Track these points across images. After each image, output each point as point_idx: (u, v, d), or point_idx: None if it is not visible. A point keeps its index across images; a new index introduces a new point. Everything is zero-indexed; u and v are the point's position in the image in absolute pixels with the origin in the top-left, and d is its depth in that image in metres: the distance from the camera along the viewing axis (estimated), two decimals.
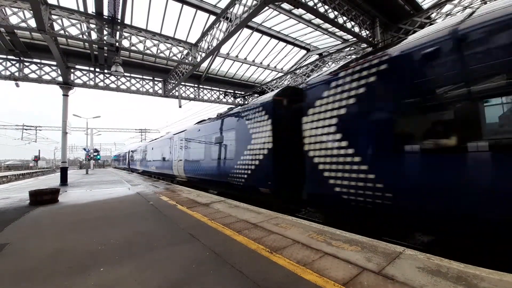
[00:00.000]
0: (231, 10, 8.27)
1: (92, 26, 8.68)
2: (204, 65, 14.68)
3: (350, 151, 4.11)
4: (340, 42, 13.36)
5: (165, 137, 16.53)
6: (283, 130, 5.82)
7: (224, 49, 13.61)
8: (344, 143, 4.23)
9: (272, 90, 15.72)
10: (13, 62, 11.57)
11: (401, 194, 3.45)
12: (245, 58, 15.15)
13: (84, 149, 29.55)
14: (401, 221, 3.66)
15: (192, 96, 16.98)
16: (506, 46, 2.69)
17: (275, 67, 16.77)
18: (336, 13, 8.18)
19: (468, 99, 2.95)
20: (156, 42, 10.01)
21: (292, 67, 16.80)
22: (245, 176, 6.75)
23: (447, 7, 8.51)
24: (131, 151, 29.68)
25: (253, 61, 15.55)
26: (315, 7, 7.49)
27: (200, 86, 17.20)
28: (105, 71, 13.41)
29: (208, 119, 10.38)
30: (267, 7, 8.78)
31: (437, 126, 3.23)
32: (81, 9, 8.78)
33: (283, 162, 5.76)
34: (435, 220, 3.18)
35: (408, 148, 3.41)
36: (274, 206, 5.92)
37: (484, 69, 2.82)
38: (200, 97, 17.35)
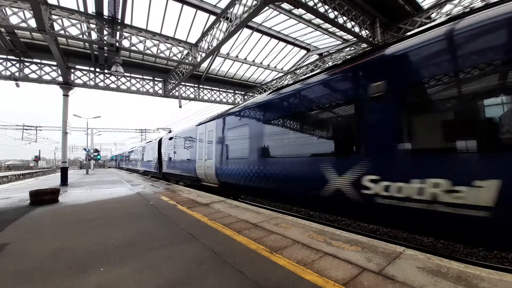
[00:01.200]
0: (231, 10, 8.28)
1: (92, 26, 8.69)
2: (204, 65, 14.69)
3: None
4: (340, 42, 13.36)
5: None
6: None
7: (224, 49, 13.61)
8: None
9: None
10: (14, 62, 11.59)
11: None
12: (245, 58, 15.15)
13: (84, 149, 29.57)
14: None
15: (192, 96, 16.99)
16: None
17: (275, 67, 16.77)
18: (336, 13, 8.18)
19: None
20: (156, 42, 10.02)
21: (292, 67, 16.80)
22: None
23: (447, 7, 8.51)
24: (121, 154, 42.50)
25: (253, 61, 15.55)
26: (315, 7, 7.49)
27: (200, 86, 17.20)
28: (105, 71, 13.43)
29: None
30: (267, 7, 8.78)
31: None
32: (81, 9, 8.79)
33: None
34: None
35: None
36: None
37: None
38: (200, 97, 17.36)
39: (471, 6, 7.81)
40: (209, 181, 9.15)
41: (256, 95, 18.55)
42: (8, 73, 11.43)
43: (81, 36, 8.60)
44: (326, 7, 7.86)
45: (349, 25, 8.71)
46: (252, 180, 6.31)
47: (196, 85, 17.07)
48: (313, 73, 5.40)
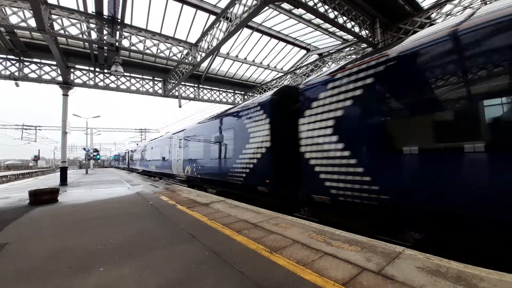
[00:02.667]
0: (231, 10, 8.27)
1: (92, 25, 8.68)
2: (204, 65, 14.68)
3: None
4: (340, 42, 13.36)
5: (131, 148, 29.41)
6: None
7: (224, 49, 13.61)
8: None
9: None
10: (13, 62, 11.57)
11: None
12: (245, 58, 15.14)
13: (84, 149, 29.55)
14: None
15: (192, 96, 16.98)
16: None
17: (275, 67, 16.76)
18: (336, 13, 8.18)
19: None
20: (156, 41, 10.01)
21: (292, 67, 16.80)
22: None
23: (447, 7, 8.51)
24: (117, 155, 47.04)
25: (253, 61, 15.55)
26: (315, 7, 7.49)
27: (200, 86, 17.20)
28: (105, 70, 13.41)
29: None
30: (267, 7, 8.78)
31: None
32: (81, 8, 8.78)
33: None
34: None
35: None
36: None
37: None
38: (200, 97, 17.35)
39: (471, 6, 7.82)
40: (179, 175, 12.91)
41: (256, 95, 18.55)
42: (7, 72, 11.41)
43: (81, 36, 8.59)
44: (326, 7, 7.86)
45: (349, 25, 8.71)
46: (197, 173, 10.36)
47: (196, 85, 17.06)
48: (211, 116, 10.12)
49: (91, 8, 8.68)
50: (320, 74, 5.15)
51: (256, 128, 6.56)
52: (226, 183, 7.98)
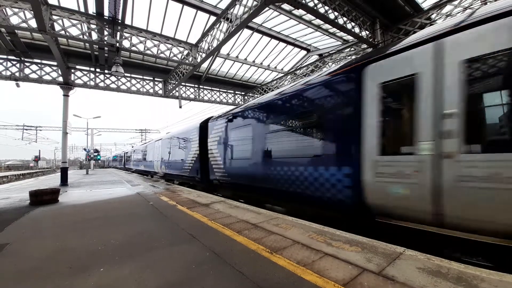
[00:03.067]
0: (231, 10, 8.28)
1: (93, 26, 8.70)
2: (205, 65, 14.69)
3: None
4: (340, 43, 13.37)
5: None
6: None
7: (224, 50, 13.63)
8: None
9: (272, 91, 15.85)
10: (14, 62, 11.59)
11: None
12: (246, 59, 15.16)
13: (85, 149, 29.58)
14: None
15: (192, 96, 16.99)
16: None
17: (275, 67, 16.78)
18: (336, 13, 8.19)
19: None
20: (156, 42, 10.02)
21: (292, 67, 16.81)
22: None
23: (447, 7, 8.52)
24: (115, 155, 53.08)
25: (254, 61, 15.56)
26: (315, 8, 7.50)
27: (200, 86, 17.21)
28: (106, 71, 13.43)
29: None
30: (267, 8, 8.79)
31: None
32: (82, 9, 8.80)
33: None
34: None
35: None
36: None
37: None
38: (201, 97, 17.36)
39: (471, 7, 7.82)
40: (159, 172, 16.72)
41: (256, 95, 18.56)
42: (8, 73, 11.43)
43: (81, 37, 8.61)
44: (326, 8, 7.87)
45: (349, 26, 8.71)
46: (167, 171, 14.34)
47: (196, 86, 17.08)
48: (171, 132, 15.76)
49: (91, 9, 8.70)
50: (212, 117, 9.90)
51: (190, 143, 11.10)
52: (181, 176, 12.44)
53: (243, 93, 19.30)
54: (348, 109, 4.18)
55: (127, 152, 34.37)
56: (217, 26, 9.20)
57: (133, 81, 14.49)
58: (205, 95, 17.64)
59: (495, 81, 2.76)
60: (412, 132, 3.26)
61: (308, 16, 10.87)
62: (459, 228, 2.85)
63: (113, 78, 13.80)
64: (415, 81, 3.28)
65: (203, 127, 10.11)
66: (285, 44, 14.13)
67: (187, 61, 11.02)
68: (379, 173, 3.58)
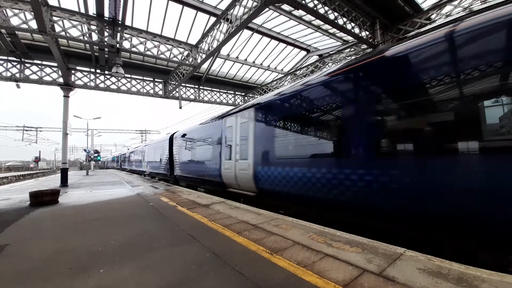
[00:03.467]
0: (231, 11, 8.29)
1: (93, 27, 8.71)
2: (205, 66, 14.71)
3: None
4: (340, 43, 13.38)
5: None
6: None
7: (224, 50, 13.64)
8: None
9: (272, 91, 15.94)
10: (14, 63, 11.61)
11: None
12: (246, 59, 15.17)
13: (85, 150, 29.58)
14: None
15: (192, 97, 17.00)
16: None
17: (275, 68, 16.79)
18: (336, 14, 8.20)
19: None
20: (156, 43, 10.04)
21: (292, 68, 16.82)
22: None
23: (447, 8, 8.52)
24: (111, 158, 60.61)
25: (254, 62, 15.57)
26: (315, 9, 7.51)
27: (200, 87, 17.22)
28: (106, 72, 13.45)
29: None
30: (267, 9, 8.80)
31: None
32: (82, 10, 8.82)
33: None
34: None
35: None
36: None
37: None
38: (201, 98, 17.37)
39: (471, 7, 7.83)
40: (146, 172, 20.97)
41: (256, 96, 18.57)
42: (9, 74, 11.45)
43: (82, 38, 8.62)
44: (326, 8, 7.88)
45: (349, 26, 8.72)
46: (151, 170, 19.52)
47: (197, 86, 17.09)
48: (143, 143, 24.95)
49: (92, 10, 8.72)
50: (176, 131, 14.14)
51: (164, 149, 15.28)
52: (159, 173, 16.66)
53: (243, 94, 19.31)
54: (218, 138, 8.71)
55: (124, 154, 40.27)
56: (217, 27, 9.22)
57: (133, 82, 14.51)
58: (205, 95, 17.65)
59: (245, 133, 7.09)
60: (230, 152, 7.72)
61: (308, 17, 10.89)
62: (242, 189, 7.20)
63: (113, 79, 13.81)
64: (230, 129, 7.97)
65: (171, 138, 14.33)
66: (285, 45, 14.14)
67: (187, 62, 11.03)
68: (225, 168, 7.96)
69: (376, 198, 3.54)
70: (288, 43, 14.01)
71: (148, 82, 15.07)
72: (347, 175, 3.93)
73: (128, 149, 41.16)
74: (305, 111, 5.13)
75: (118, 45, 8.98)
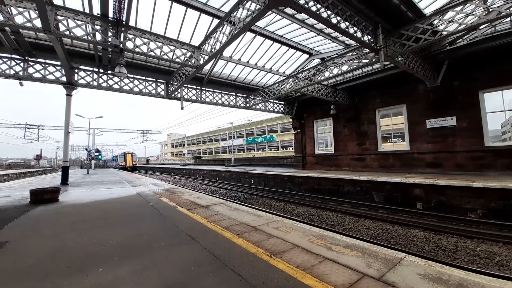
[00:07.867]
0: (234, 14, 8.33)
1: (97, 27, 8.76)
2: (207, 67, 14.75)
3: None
4: (342, 47, 13.41)
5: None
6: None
7: (227, 52, 13.69)
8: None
9: (274, 94, 15.88)
10: (18, 61, 11.68)
11: None
12: (248, 61, 15.22)
13: (86, 149, 29.66)
14: None
15: (194, 98, 17.03)
16: None
17: (277, 70, 16.83)
18: (338, 18, 8.22)
19: None
20: (159, 44, 10.08)
21: (294, 71, 16.86)
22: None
23: (449, 14, 8.54)
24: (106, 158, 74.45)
25: (256, 64, 15.61)
26: (318, 12, 7.54)
27: (202, 88, 17.27)
28: (109, 72, 13.50)
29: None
30: (270, 12, 8.84)
31: None
32: (87, 10, 8.88)
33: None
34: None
35: None
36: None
37: None
38: (202, 99, 17.40)
39: (473, 13, 7.85)
40: (118, 167, 46.82)
41: (258, 97, 18.60)
42: (12, 72, 11.51)
43: (85, 37, 8.67)
44: (329, 12, 7.91)
45: (351, 30, 8.74)
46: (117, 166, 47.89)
47: (198, 87, 17.13)
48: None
49: (96, 10, 8.77)
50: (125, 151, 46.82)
51: (120, 157, 45.08)
52: (116, 167, 43.76)
53: (244, 96, 19.34)
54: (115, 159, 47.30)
55: (119, 155, 55.92)
56: (220, 28, 9.26)
57: (136, 82, 14.55)
58: (207, 96, 17.68)
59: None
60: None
61: (311, 20, 10.93)
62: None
63: (116, 79, 13.85)
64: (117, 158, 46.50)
65: (122, 154, 44.23)
66: (287, 48, 14.18)
67: (189, 63, 11.07)
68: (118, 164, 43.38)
69: None
70: (290, 46, 14.05)
71: (150, 82, 15.12)
72: None
73: (123, 151, 58.09)
74: None
75: (121, 45, 9.03)
